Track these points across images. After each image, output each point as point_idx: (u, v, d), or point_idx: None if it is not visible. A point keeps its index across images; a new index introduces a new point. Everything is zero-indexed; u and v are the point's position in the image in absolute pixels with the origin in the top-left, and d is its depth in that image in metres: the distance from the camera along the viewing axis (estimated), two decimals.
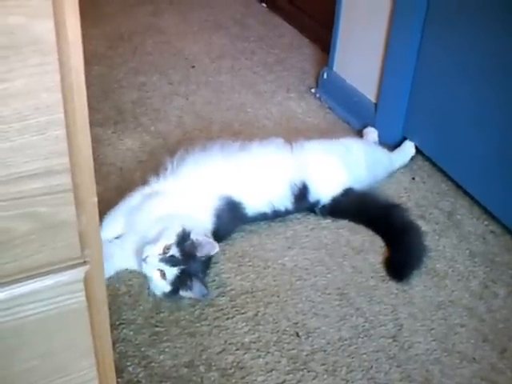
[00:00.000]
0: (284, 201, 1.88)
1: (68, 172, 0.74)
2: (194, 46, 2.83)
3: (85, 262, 0.81)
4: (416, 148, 2.21)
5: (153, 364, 1.51)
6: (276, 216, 1.90)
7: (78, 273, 0.81)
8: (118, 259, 1.72)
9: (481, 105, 1.89)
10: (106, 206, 1.90)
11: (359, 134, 2.30)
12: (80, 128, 0.72)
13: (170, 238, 1.62)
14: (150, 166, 2.10)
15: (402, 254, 1.82)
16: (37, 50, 0.65)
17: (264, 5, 3.19)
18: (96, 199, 0.78)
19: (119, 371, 1.46)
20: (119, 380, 1.45)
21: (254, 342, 1.58)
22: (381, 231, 1.90)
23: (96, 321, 0.88)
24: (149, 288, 1.67)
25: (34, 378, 0.86)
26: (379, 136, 2.26)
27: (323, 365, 1.54)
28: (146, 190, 1.80)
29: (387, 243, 1.86)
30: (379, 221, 1.91)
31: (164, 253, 1.60)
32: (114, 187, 1.99)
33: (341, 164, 1.94)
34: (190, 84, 2.57)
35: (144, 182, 1.83)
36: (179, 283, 1.61)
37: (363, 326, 1.64)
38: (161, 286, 1.63)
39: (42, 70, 0.67)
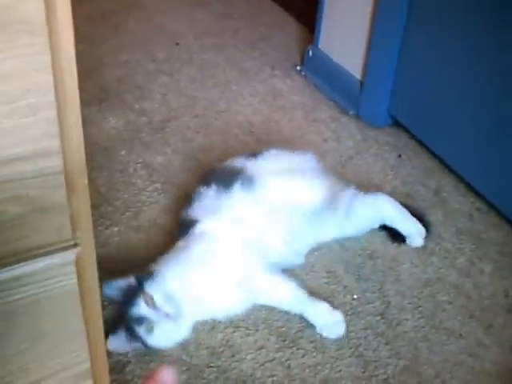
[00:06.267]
0: None
1: (59, 154, 0.73)
2: (177, 22, 2.80)
3: (76, 245, 0.81)
4: (402, 126, 2.21)
5: None
6: None
7: (69, 255, 0.81)
8: None
9: (467, 83, 1.89)
10: (90, 185, 1.90)
11: (344, 112, 2.30)
12: (71, 110, 0.71)
13: None
14: (134, 145, 2.09)
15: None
16: (26, 31, 0.64)
17: None
18: (87, 181, 0.78)
19: (110, 352, 1.46)
20: (110, 360, 1.44)
21: (243, 320, 1.58)
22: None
23: (87, 303, 0.88)
24: None
25: (26, 360, 0.86)
26: (364, 115, 2.26)
27: (312, 342, 1.55)
28: None
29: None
30: None
31: None
32: (98, 167, 1.98)
33: None
34: (174, 61, 2.54)
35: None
36: None
37: (351, 303, 1.65)
38: None
39: (31, 51, 0.65)
